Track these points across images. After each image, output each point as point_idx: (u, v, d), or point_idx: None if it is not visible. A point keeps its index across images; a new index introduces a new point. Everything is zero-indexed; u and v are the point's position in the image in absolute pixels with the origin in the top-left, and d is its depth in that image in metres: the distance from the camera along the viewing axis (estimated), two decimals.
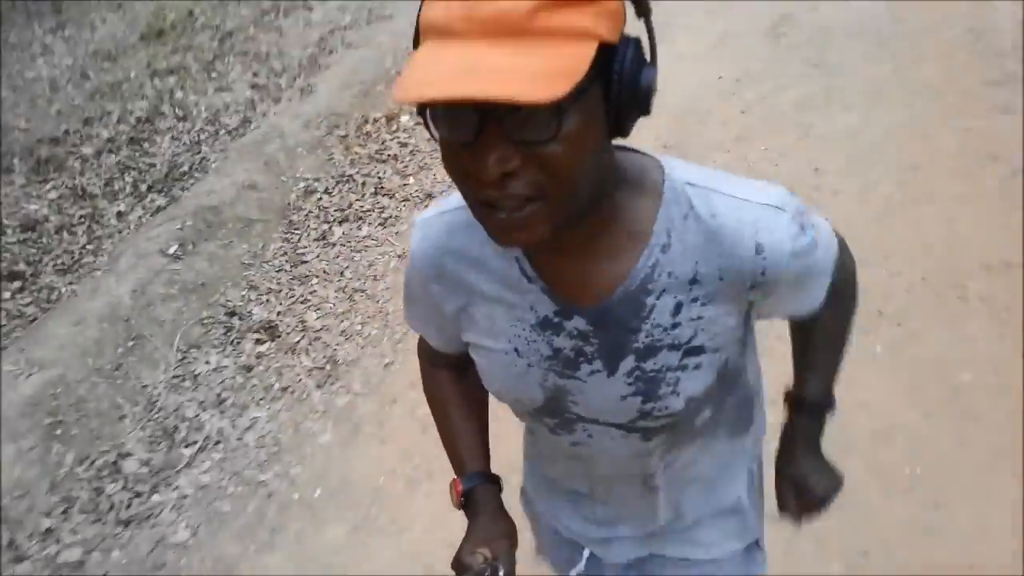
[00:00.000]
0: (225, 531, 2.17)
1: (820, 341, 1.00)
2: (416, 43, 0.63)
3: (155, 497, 2.27)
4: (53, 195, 3.56)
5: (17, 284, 3.07)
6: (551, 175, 0.62)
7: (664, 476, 0.96)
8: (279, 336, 2.74)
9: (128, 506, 2.24)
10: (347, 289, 2.93)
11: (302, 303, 2.87)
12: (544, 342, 0.82)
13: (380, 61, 4.38)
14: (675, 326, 0.79)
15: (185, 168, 3.65)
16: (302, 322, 2.78)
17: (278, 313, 2.83)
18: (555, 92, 0.54)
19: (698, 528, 1.04)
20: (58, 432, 2.39)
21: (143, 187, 3.55)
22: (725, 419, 0.95)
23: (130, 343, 2.68)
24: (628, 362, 0.81)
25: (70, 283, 3.05)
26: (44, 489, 2.26)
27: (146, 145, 3.85)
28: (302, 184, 3.46)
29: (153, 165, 3.69)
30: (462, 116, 0.60)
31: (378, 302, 2.86)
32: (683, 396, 0.82)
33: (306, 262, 3.05)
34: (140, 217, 3.38)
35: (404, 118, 3.83)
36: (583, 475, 0.99)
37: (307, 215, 3.28)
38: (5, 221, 3.39)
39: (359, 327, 2.76)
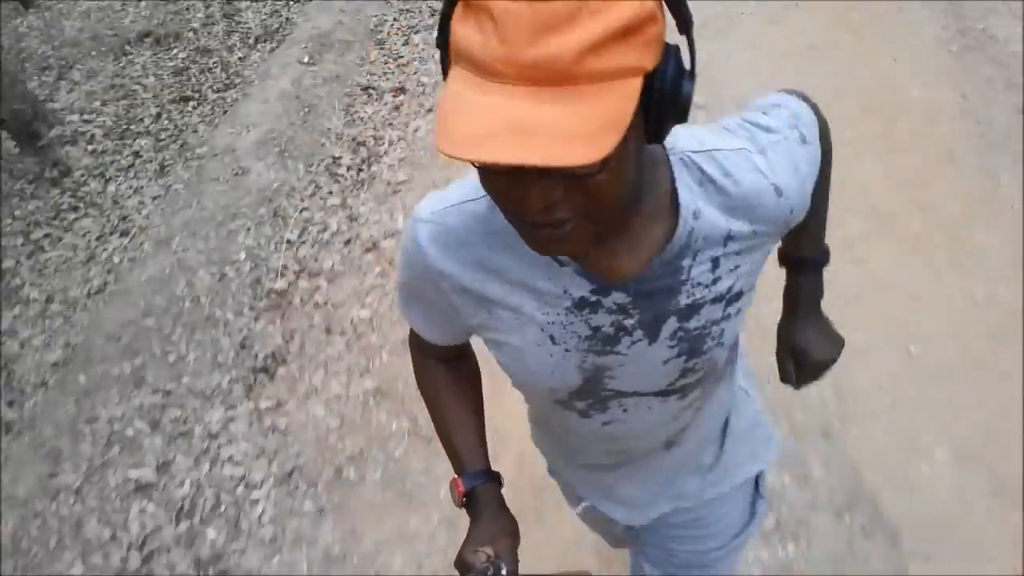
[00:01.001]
0: None
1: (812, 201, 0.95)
2: (442, 44, 0.62)
3: None
4: (182, 55, 4.65)
5: (191, 104, 4.21)
6: (595, 201, 0.63)
7: (692, 429, 0.99)
8: (406, 92, 4.00)
9: None
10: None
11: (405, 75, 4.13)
12: (581, 322, 0.80)
13: None
14: (715, 281, 0.80)
15: (275, 27, 4.80)
16: (421, 84, 4.04)
17: (398, 80, 4.08)
18: (605, 149, 0.54)
19: (716, 469, 1.08)
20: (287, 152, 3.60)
21: (250, 40, 4.69)
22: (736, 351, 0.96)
23: (305, 109, 3.89)
24: (670, 325, 0.81)
25: (232, 96, 4.20)
26: None
27: (237, 17, 4.97)
28: (373, 22, 4.68)
29: (249, 28, 4.82)
30: None
31: None
32: (727, 344, 0.85)
33: (402, 57, 4.30)
34: (257, 59, 4.53)
35: None
36: (607, 453, 1.00)
37: (388, 34, 4.52)
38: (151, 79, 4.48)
39: None
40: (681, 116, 0.62)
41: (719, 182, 0.76)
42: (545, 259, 0.78)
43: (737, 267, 0.81)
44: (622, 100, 0.55)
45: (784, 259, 1.04)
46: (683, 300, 0.80)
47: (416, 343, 1.01)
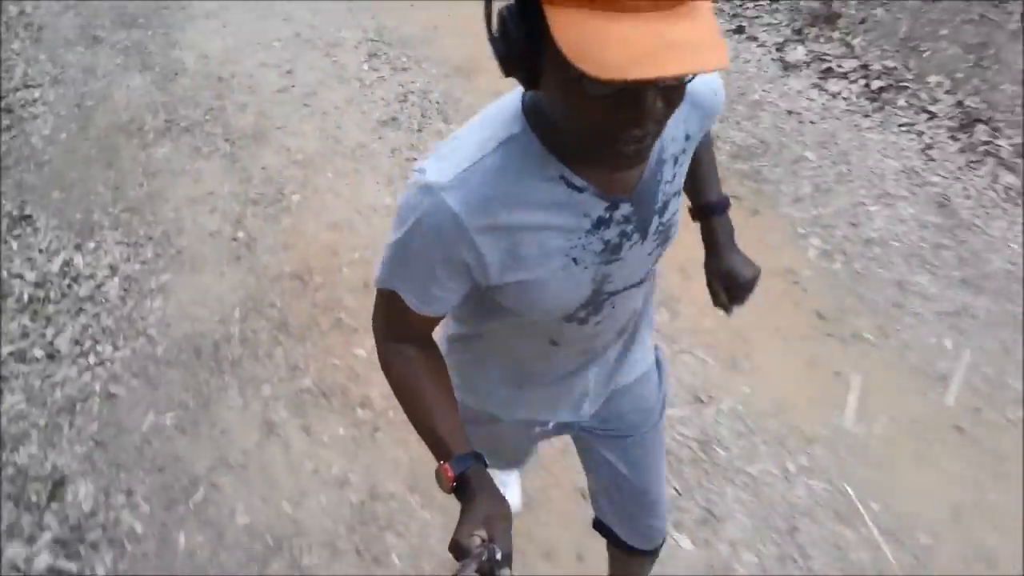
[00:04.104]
0: None
1: (702, 154, 1.14)
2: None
3: None
4: None
5: None
6: (672, 108, 0.73)
7: (647, 312, 1.14)
8: None
9: None
10: None
11: None
12: (597, 239, 0.90)
13: None
14: (675, 177, 0.95)
15: None
16: None
17: None
18: (726, 59, 0.64)
19: (636, 348, 1.20)
20: None
21: None
22: None
23: None
24: (654, 223, 0.94)
25: None
26: None
27: None
28: None
29: None
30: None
31: None
32: (679, 226, 1.01)
33: None
34: None
35: None
36: (583, 352, 1.10)
37: None
38: None
39: None
40: None
41: (691, 89, 0.85)
42: (564, 191, 0.85)
43: (684, 164, 0.96)
44: (714, 19, 0.67)
45: (697, 211, 1.20)
46: (660, 199, 0.93)
47: (385, 329, 1.00)
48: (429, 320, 0.97)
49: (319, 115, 3.55)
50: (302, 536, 2.00)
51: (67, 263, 2.82)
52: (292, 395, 2.34)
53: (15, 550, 1.99)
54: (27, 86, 3.78)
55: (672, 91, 0.72)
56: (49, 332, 2.56)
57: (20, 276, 2.76)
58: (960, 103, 3.38)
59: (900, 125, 3.35)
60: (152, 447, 2.22)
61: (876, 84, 3.55)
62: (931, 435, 2.19)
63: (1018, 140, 3.16)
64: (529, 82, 0.76)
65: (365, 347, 2.47)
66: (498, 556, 0.80)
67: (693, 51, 0.62)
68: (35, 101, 3.69)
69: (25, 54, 4.02)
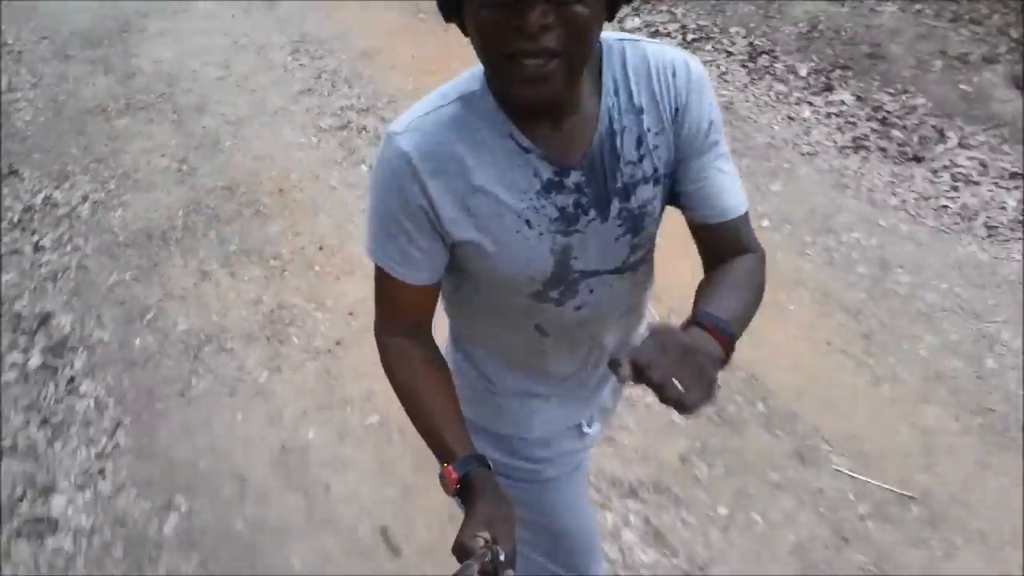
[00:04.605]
0: None
1: (739, 277, 0.95)
2: None
3: None
4: None
5: None
6: (574, 33, 0.77)
7: (638, 306, 1.11)
8: None
9: None
10: None
11: None
12: (550, 204, 0.91)
13: None
14: (641, 159, 0.93)
15: None
16: None
17: None
18: None
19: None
20: None
21: None
22: None
23: None
24: (615, 205, 0.93)
25: None
26: None
27: None
28: None
29: None
30: None
31: None
32: (659, 223, 0.99)
33: None
34: None
35: None
36: (581, 341, 1.08)
37: None
38: None
39: None
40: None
41: (635, 61, 0.91)
42: (514, 148, 0.88)
43: (656, 147, 0.93)
44: None
45: (692, 320, 0.85)
46: (621, 179, 0.92)
47: (383, 318, 1.02)
48: (417, 297, 0.97)
49: (248, 92, 4.41)
50: (226, 332, 2.75)
51: (47, 197, 3.60)
52: (221, 256, 3.12)
53: (14, 357, 2.72)
54: (10, 90, 4.61)
55: (567, 8, 0.75)
56: (35, 237, 3.32)
57: (10, 209, 3.53)
58: (751, 43, 4.33)
59: (705, 62, 4.27)
60: (115, 292, 2.97)
61: (690, 37, 4.50)
62: None
63: (791, 62, 4.10)
64: (463, 27, 0.82)
65: (278, 225, 3.26)
66: (501, 557, 0.78)
67: None
68: (17, 100, 4.52)
69: (8, 70, 4.87)
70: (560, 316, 1.02)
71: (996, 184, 3.12)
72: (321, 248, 3.11)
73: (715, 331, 0.82)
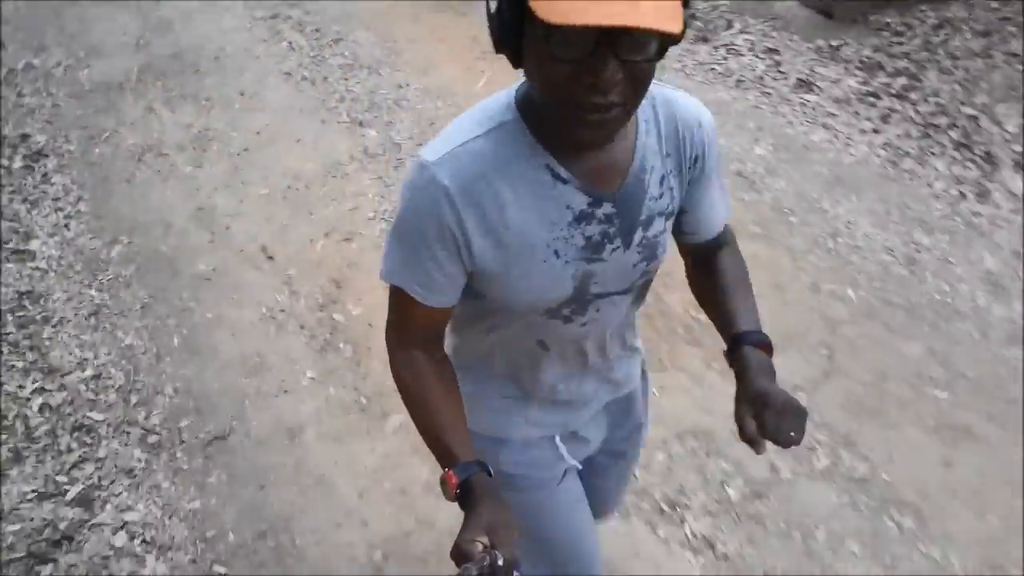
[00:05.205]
0: None
1: (734, 280, 1.10)
2: None
3: None
4: None
5: None
6: (636, 88, 0.80)
7: (630, 321, 1.16)
8: None
9: None
10: None
11: None
12: (579, 234, 0.94)
13: None
14: (660, 196, 0.99)
15: None
16: None
17: None
18: (678, 25, 0.72)
19: (623, 364, 1.20)
20: None
21: None
22: None
23: None
24: (638, 234, 0.98)
25: None
26: None
27: None
28: None
29: None
30: (584, 36, 0.74)
31: None
32: (666, 253, 1.04)
33: None
34: None
35: None
36: (578, 354, 1.11)
37: None
38: None
39: None
40: (678, 41, 0.77)
41: (663, 108, 0.97)
42: (549, 180, 0.91)
43: (672, 187, 1.00)
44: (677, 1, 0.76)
45: (728, 345, 1.02)
46: (644, 212, 0.97)
47: (396, 333, 1.04)
48: (435, 317, 1.00)
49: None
50: (163, 144, 3.61)
51: (28, 64, 4.41)
52: (164, 98, 3.97)
53: (3, 161, 3.58)
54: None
55: (634, 65, 0.77)
56: (17, 89, 4.16)
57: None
58: None
59: None
60: (80, 120, 3.83)
61: None
62: None
63: None
64: (515, 58, 0.84)
65: (212, 80, 4.11)
66: (500, 562, 0.78)
67: (638, 10, 0.70)
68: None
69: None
70: (566, 331, 1.05)
71: (755, 56, 4.04)
72: (242, 94, 3.97)
73: (764, 347, 0.99)
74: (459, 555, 0.81)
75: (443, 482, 0.92)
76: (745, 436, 0.90)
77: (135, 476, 2.23)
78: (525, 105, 0.91)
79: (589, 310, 1.03)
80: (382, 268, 0.98)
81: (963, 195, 3.15)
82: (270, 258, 2.95)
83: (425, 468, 2.19)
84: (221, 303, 2.77)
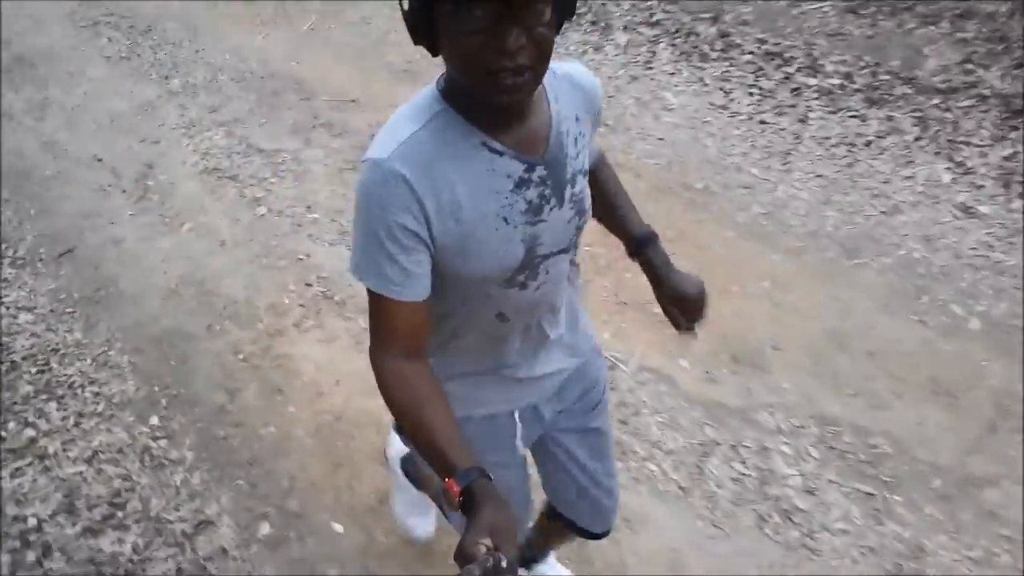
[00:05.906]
0: None
1: (616, 188, 1.33)
2: None
3: None
4: None
5: None
6: (540, 51, 0.91)
7: (571, 286, 1.27)
8: None
9: None
10: None
11: None
12: (521, 199, 1.04)
13: None
14: (577, 155, 1.11)
15: None
16: None
17: None
18: None
19: (575, 327, 1.32)
20: None
21: None
22: None
23: None
24: (568, 191, 1.09)
25: None
26: None
27: None
28: None
29: None
30: (487, 8, 0.86)
31: None
32: (591, 207, 1.17)
33: None
34: None
35: None
36: (541, 313, 1.20)
37: None
38: None
39: None
40: (571, 14, 0.96)
41: (560, 76, 1.12)
42: (487, 155, 1.01)
43: (584, 147, 1.14)
44: None
45: (630, 249, 1.32)
46: (568, 171, 1.09)
47: (378, 340, 1.07)
48: (414, 318, 1.05)
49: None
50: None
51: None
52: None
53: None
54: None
55: (534, 31, 0.89)
56: None
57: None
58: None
59: None
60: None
61: None
62: None
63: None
64: (432, 47, 0.94)
65: (42, 72, 5.18)
66: (503, 564, 0.80)
67: None
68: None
69: None
70: (522, 299, 1.14)
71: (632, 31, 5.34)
72: (71, 74, 5.06)
73: (654, 236, 1.29)
74: (463, 557, 0.83)
75: (446, 492, 0.95)
76: (680, 328, 1.28)
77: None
78: (450, 95, 1.01)
79: (540, 273, 1.12)
80: (349, 266, 1.04)
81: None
82: (99, 160, 4.09)
83: None
84: (65, 192, 3.89)
